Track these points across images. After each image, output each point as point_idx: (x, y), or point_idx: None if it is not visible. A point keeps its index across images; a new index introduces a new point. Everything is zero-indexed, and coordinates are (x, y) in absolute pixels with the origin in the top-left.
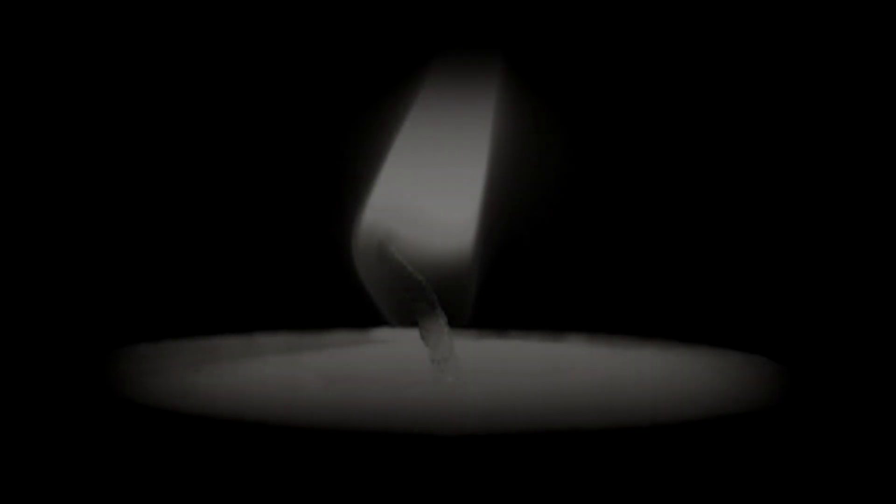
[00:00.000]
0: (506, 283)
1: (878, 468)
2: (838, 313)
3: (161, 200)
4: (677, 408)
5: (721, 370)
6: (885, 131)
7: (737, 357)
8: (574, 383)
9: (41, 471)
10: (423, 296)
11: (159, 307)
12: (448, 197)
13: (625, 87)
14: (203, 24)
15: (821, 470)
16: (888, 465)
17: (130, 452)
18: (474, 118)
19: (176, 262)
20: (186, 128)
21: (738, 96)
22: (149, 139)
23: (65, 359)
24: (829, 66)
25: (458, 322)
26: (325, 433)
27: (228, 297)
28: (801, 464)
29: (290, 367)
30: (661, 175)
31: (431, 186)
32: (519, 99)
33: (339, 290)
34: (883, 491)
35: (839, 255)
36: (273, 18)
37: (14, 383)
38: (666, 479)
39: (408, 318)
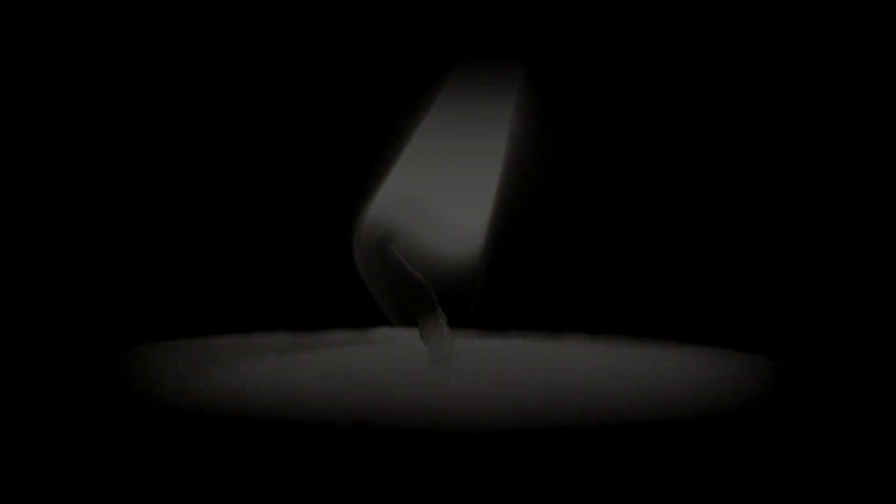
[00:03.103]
0: (507, 284)
1: (876, 467)
2: (837, 313)
3: (161, 200)
4: (677, 407)
5: (720, 370)
6: (885, 131)
7: (736, 357)
8: (574, 383)
9: (41, 470)
10: (423, 295)
11: (159, 307)
12: (459, 201)
13: (625, 93)
14: (212, 22)
15: (820, 468)
16: (887, 464)
17: (129, 453)
18: (492, 124)
19: (176, 262)
20: (187, 127)
21: (739, 97)
22: (149, 139)
23: (65, 358)
24: (829, 66)
25: (461, 322)
26: (326, 429)
27: (228, 297)
28: (800, 462)
29: (289, 367)
30: (662, 176)
31: (443, 189)
32: (536, 108)
33: (339, 290)
34: (881, 490)
35: (838, 254)
36: (292, 18)
37: (14, 383)
38: (666, 478)
39: (408, 318)
